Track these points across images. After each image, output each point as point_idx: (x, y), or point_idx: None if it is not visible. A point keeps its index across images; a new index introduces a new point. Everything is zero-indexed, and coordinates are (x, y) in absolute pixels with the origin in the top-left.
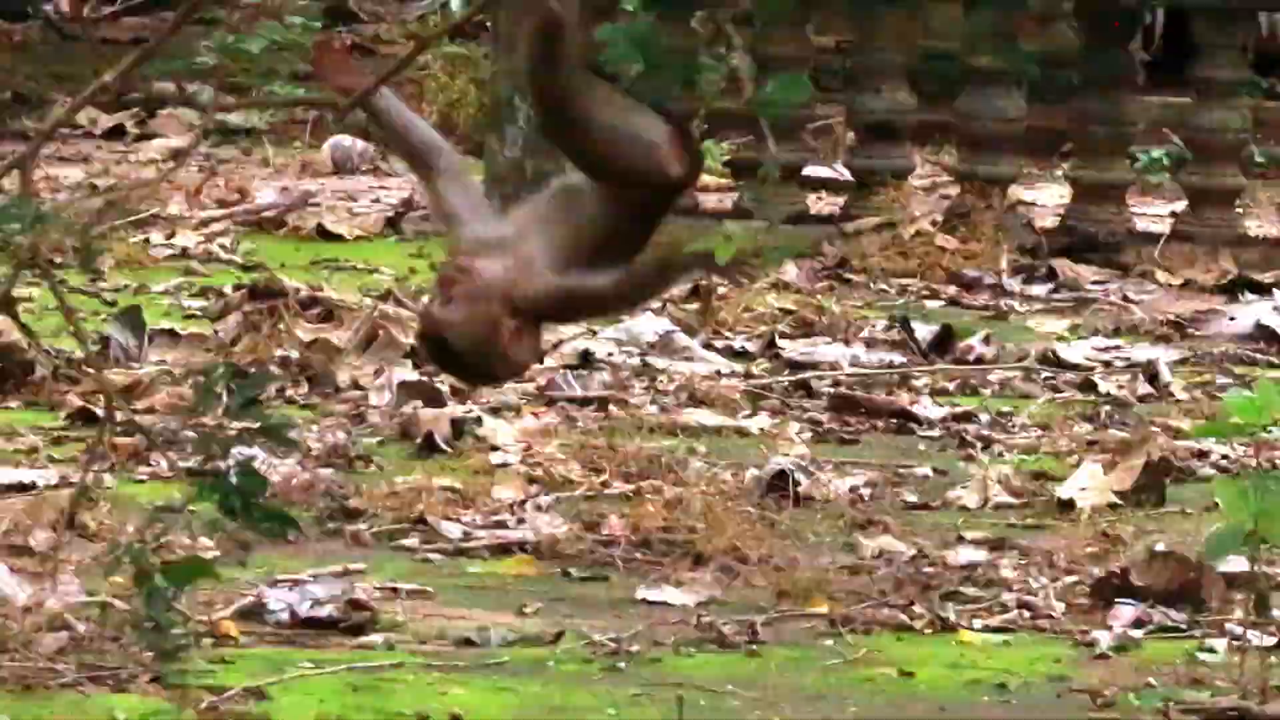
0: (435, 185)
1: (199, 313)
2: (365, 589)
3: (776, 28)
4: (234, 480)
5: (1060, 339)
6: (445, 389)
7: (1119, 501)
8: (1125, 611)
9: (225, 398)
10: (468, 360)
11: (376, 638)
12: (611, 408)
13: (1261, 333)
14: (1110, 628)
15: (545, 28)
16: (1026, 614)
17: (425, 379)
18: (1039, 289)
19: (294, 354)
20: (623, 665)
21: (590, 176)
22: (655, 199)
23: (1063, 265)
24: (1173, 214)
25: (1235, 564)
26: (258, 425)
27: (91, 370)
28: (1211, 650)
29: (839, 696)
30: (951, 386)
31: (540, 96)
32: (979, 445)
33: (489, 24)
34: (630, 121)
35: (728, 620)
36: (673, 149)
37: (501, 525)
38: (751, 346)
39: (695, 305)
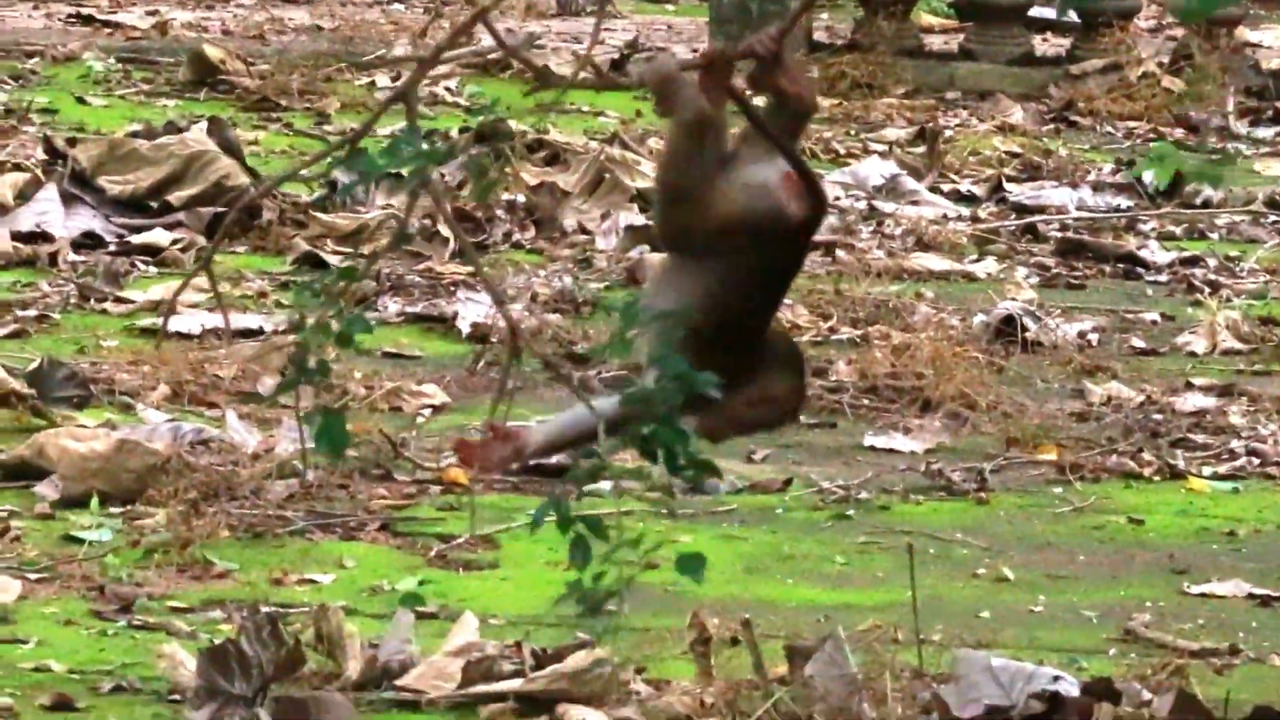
0: None
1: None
2: None
3: None
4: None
5: None
6: None
7: None
8: None
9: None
10: None
11: (604, 485)
12: (838, 252)
13: None
14: None
15: (693, 126)
16: (1255, 461)
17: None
18: (1265, 131)
19: (520, 198)
20: (851, 513)
21: (717, 243)
22: (785, 247)
23: None
24: None
25: None
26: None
27: (318, 214)
28: None
29: (1067, 544)
30: (1179, 231)
31: (669, 191)
32: (1206, 290)
33: None
34: (744, 172)
35: (956, 467)
36: (788, 189)
37: None
38: (978, 190)
39: (922, 148)
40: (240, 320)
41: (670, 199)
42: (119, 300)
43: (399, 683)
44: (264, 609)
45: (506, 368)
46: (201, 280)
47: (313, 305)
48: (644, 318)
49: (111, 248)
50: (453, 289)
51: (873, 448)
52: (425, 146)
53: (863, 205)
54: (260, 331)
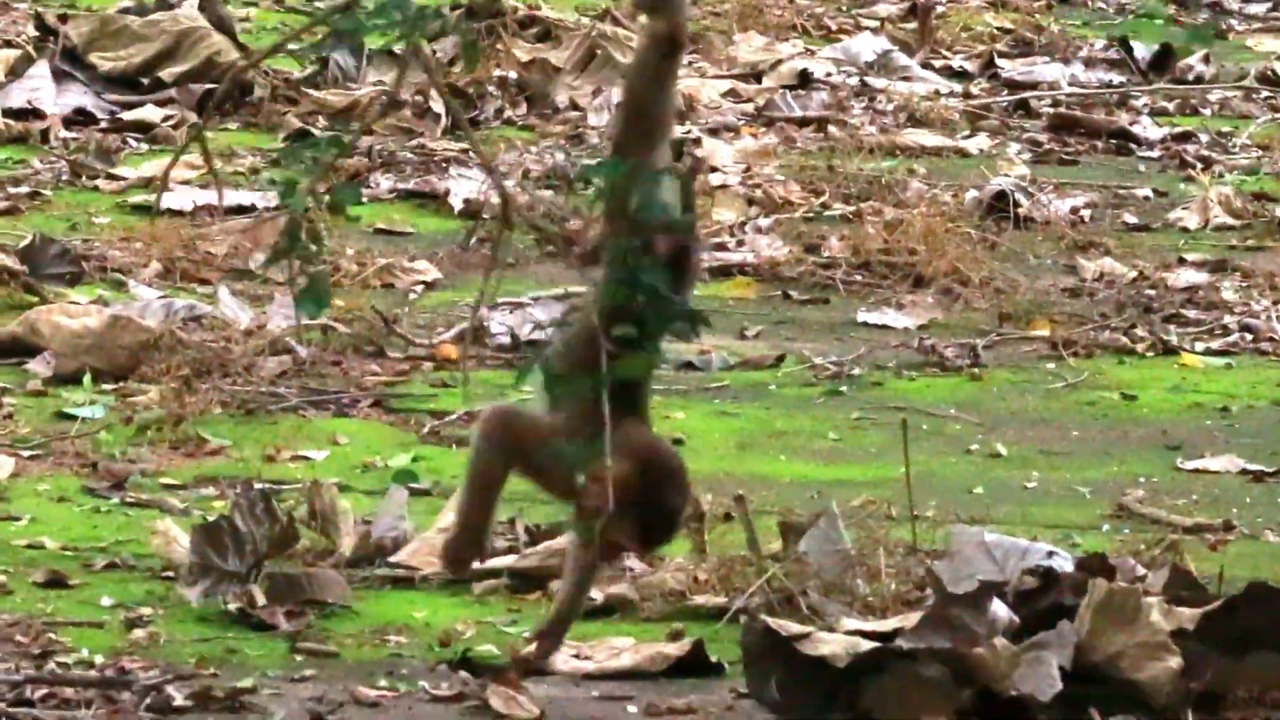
0: None
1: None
2: None
3: None
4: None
5: None
6: None
7: None
8: None
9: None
10: None
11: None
12: (830, 128)
13: None
14: None
15: (662, 43)
16: (1248, 337)
17: None
18: (1258, 7)
19: (512, 74)
20: (844, 389)
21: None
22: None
23: None
24: None
25: None
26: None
27: (310, 91)
28: None
29: (1061, 420)
30: (1171, 107)
31: (632, 104)
32: (1199, 166)
33: None
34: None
35: (949, 343)
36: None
37: (721, 247)
38: (970, 66)
39: (913, 24)
40: (233, 197)
41: (630, 111)
42: (111, 177)
43: (392, 559)
44: (257, 485)
45: (498, 241)
46: (194, 157)
47: (302, 174)
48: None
49: (103, 124)
50: (445, 165)
51: (865, 324)
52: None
53: (855, 81)
54: (252, 208)
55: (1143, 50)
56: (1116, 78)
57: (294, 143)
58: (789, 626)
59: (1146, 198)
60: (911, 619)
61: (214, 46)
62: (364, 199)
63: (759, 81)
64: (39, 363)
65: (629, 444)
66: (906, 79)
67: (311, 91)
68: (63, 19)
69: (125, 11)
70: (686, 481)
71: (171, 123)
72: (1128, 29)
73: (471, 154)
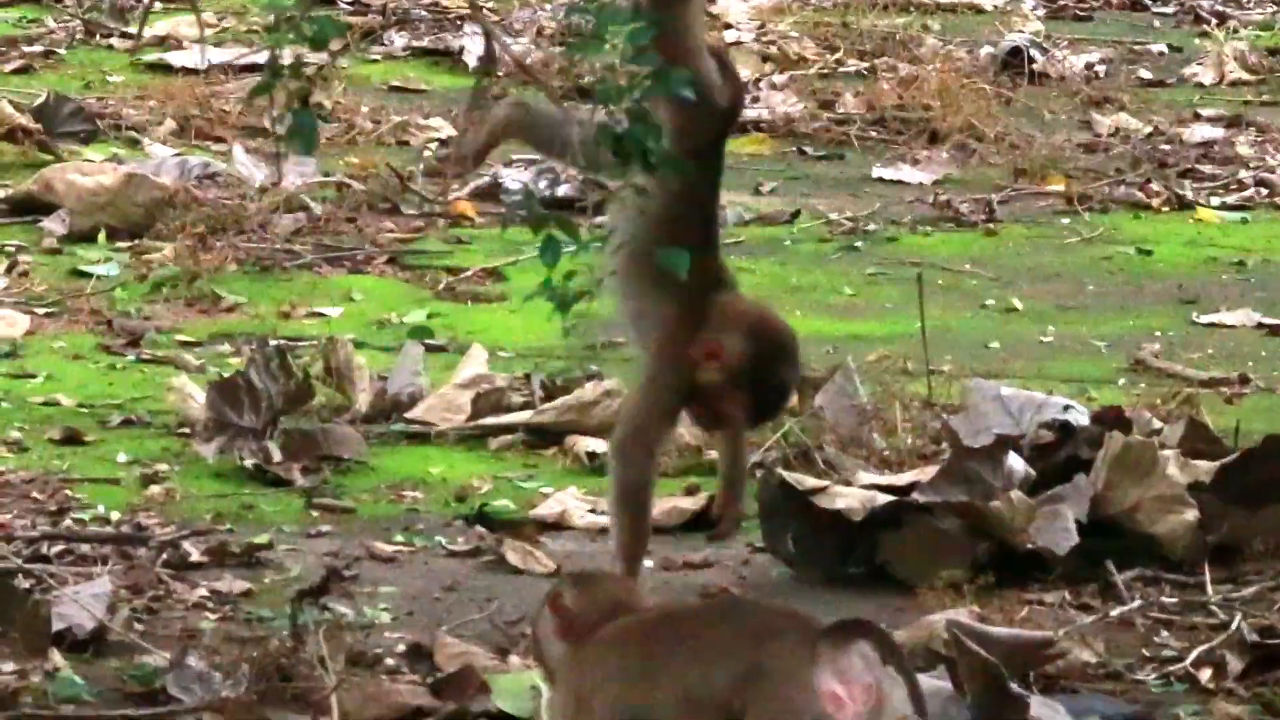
0: None
1: None
2: None
3: None
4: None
5: None
6: None
7: None
8: None
9: None
10: None
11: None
12: None
13: None
14: None
15: None
16: (1264, 191)
17: None
18: None
19: None
20: (859, 244)
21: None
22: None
23: None
24: None
25: None
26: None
27: None
28: None
29: (1076, 274)
30: None
31: None
32: (1214, 21)
33: None
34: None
35: (964, 198)
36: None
37: None
38: None
39: None
40: (247, 55)
41: None
42: (125, 36)
43: (408, 415)
44: (272, 342)
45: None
46: (208, 15)
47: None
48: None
49: None
50: (459, 23)
51: (880, 179)
52: None
53: None
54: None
55: None
56: None
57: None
58: (805, 481)
59: (1161, 53)
60: (928, 473)
61: None
62: (378, 57)
63: None
64: (54, 220)
65: (740, 317)
66: None
67: None
68: None
69: None
70: (798, 353)
71: None
72: None
73: (487, 10)
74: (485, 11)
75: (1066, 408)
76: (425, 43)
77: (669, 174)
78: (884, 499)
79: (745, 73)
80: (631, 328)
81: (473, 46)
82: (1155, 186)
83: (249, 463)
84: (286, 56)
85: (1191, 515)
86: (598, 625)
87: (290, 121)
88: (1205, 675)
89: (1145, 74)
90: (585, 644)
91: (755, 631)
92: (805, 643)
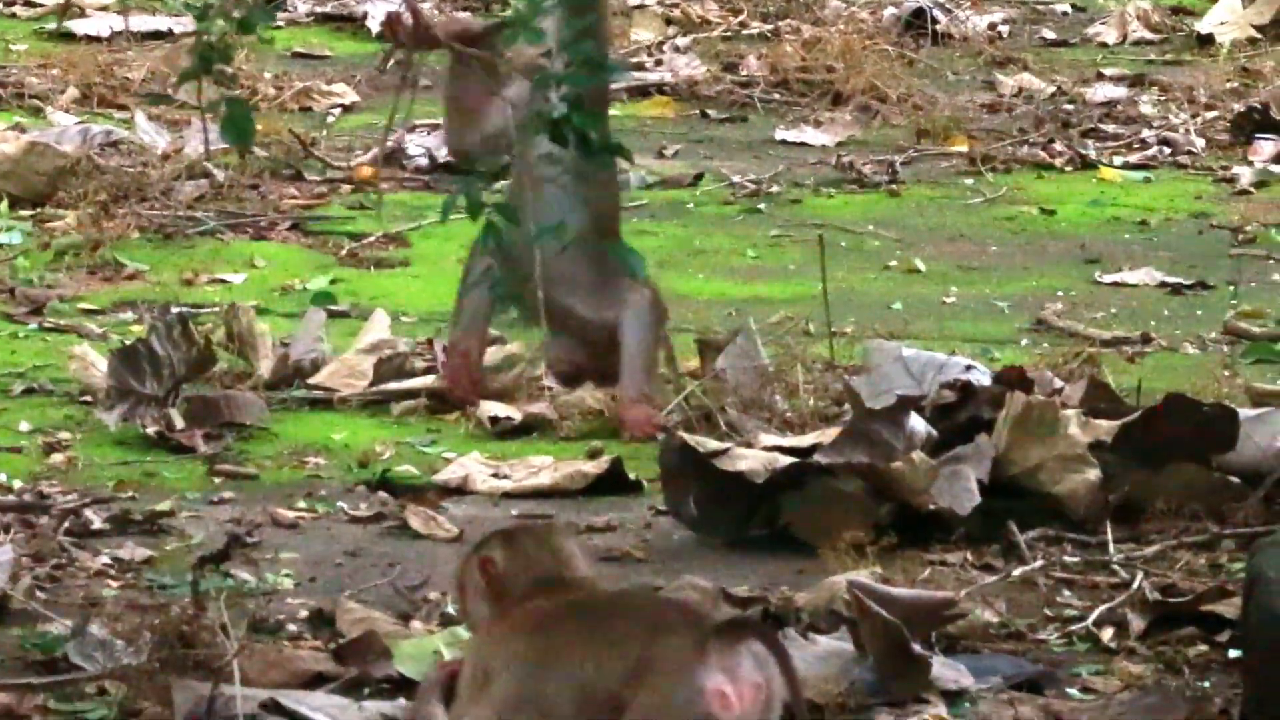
0: None
1: None
2: None
3: None
4: (568, 114)
5: None
6: None
7: (1258, 35)
8: (1265, 147)
9: None
10: None
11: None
12: None
13: None
14: (1251, 163)
15: None
16: (1167, 150)
17: None
18: None
19: None
20: (762, 206)
21: None
22: None
23: None
24: None
25: None
26: None
27: None
28: None
29: (980, 235)
30: None
31: None
32: None
33: None
34: None
35: (867, 160)
36: None
37: (639, 67)
38: None
39: None
40: (149, 22)
41: None
42: (28, 4)
43: (311, 381)
44: (175, 309)
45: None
46: None
47: None
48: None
49: None
50: None
51: (784, 141)
52: None
53: None
54: (170, 34)
55: None
56: None
57: None
58: (707, 443)
59: (1064, 13)
60: (829, 434)
61: None
62: (281, 23)
63: None
64: None
65: None
66: None
67: None
68: None
69: None
70: None
71: None
72: None
73: None
74: None
75: (968, 368)
76: (329, 8)
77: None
78: (786, 461)
79: (648, 35)
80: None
81: (376, 11)
82: (1058, 146)
83: (151, 430)
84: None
85: (1093, 474)
86: (524, 595)
87: (224, 112)
88: (1107, 635)
89: (1048, 34)
90: (504, 616)
91: (649, 625)
92: (696, 639)
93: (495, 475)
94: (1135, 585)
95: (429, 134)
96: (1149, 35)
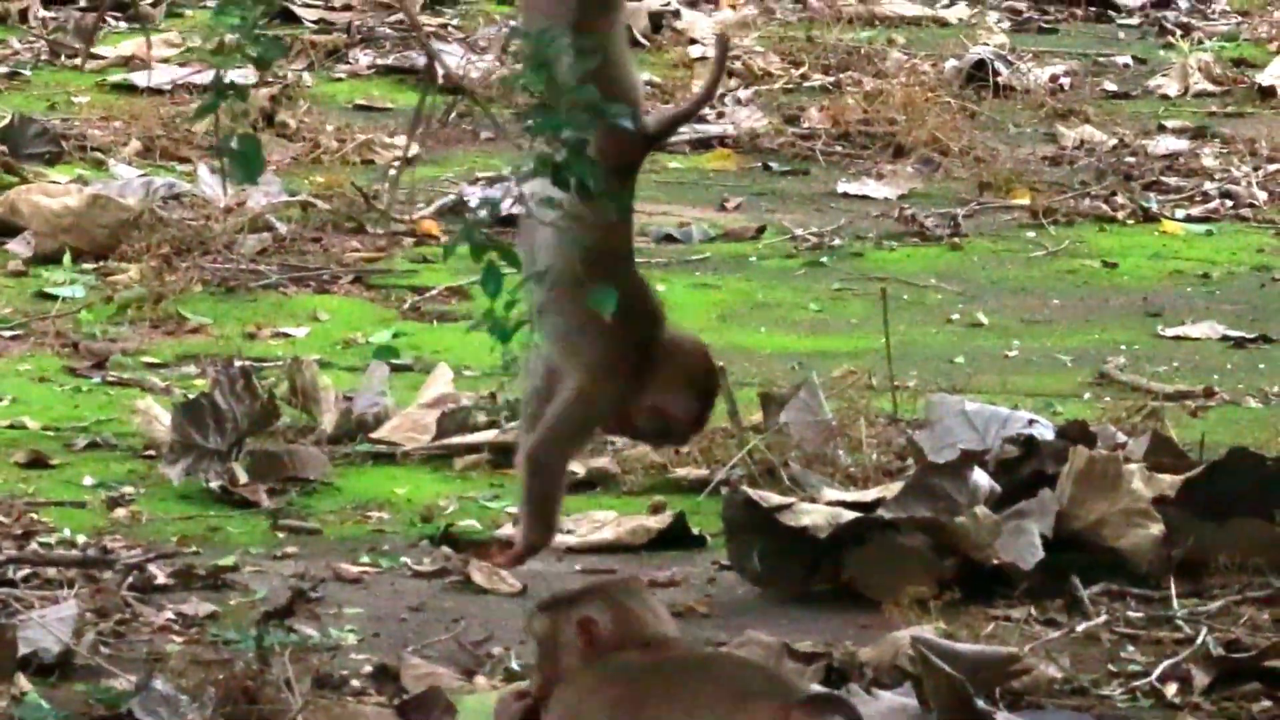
0: None
1: None
2: None
3: None
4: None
5: None
6: None
7: None
8: None
9: None
10: None
11: None
12: None
13: None
14: None
15: None
16: (1228, 203)
17: None
18: None
19: None
20: (824, 260)
21: None
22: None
23: None
24: None
25: None
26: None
27: None
28: None
29: (1041, 289)
30: None
31: None
32: (1178, 33)
33: None
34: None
35: (929, 213)
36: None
37: (701, 119)
38: None
39: None
40: (210, 74)
41: None
42: (90, 56)
43: (374, 435)
44: (238, 363)
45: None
46: (172, 35)
47: (231, 28)
48: (557, 49)
49: (82, 3)
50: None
51: (845, 194)
52: None
53: None
54: (233, 87)
55: None
56: None
57: (273, 19)
58: (770, 498)
59: (1126, 65)
60: (893, 489)
61: None
62: (342, 75)
63: None
64: (19, 243)
65: (682, 372)
66: None
67: None
68: None
69: None
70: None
71: (150, 1)
72: None
73: (451, 28)
74: (450, 28)
75: (1031, 422)
76: (390, 60)
77: (607, 205)
78: (849, 515)
79: None
80: (558, 343)
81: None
82: (1120, 199)
83: (214, 485)
84: (238, 77)
85: (1156, 529)
86: (614, 650)
87: (235, 145)
88: (1171, 690)
89: (1110, 86)
90: (591, 666)
91: (737, 691)
92: (780, 709)
93: (559, 531)
94: (1199, 641)
95: (491, 185)
96: (1210, 87)
